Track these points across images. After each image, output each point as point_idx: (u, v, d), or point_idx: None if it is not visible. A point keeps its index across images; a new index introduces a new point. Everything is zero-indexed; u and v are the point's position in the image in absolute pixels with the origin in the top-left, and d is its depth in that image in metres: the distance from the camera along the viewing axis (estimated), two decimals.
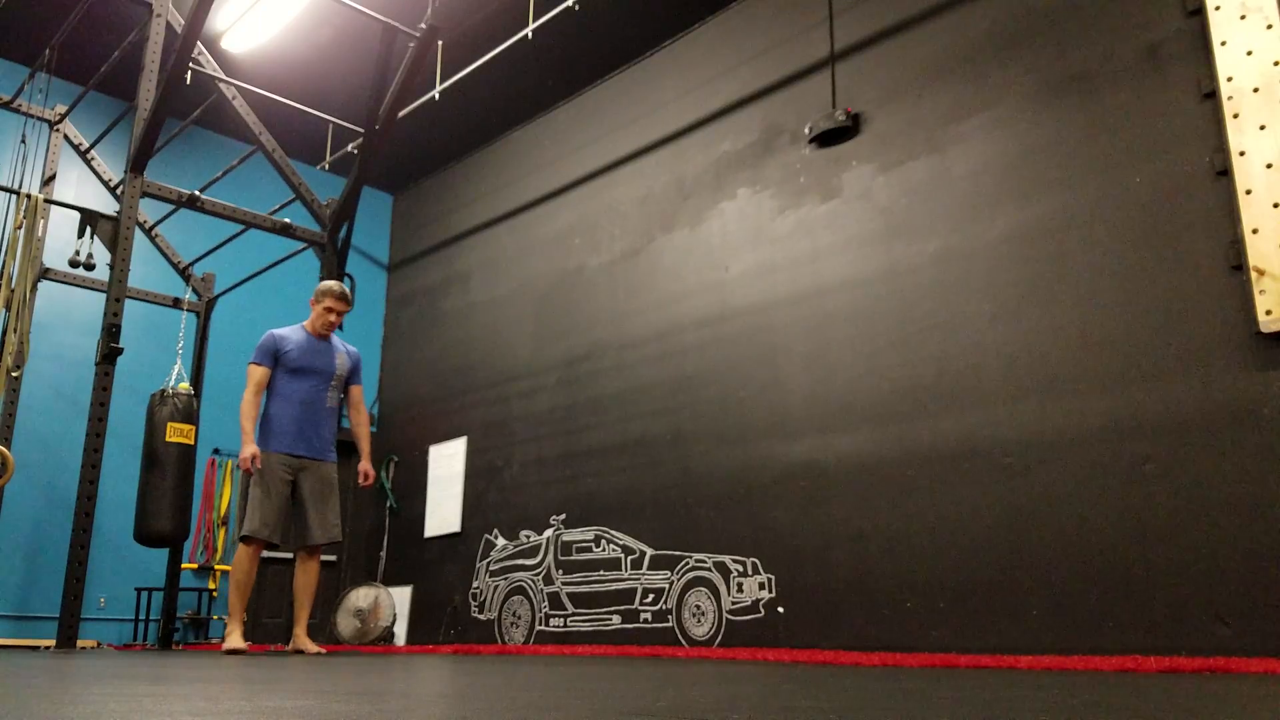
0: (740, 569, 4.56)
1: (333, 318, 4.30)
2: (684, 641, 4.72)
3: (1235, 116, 3.27)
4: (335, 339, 4.40)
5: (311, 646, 4.21)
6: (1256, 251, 3.15)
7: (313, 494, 4.18)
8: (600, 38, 5.81)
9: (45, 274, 5.74)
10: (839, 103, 4.65)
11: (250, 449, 4.02)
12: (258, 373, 4.16)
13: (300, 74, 6.22)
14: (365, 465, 4.31)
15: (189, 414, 5.08)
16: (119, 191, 4.99)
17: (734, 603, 4.54)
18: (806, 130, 4.72)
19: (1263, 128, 3.20)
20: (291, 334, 4.27)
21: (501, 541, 5.98)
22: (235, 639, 4.03)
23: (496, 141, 7.09)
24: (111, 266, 4.60)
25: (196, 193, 5.05)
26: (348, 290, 4.40)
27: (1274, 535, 3.00)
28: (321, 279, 5.34)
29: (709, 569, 4.70)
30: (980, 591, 3.67)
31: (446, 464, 6.62)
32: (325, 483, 4.22)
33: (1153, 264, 3.44)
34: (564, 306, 6.05)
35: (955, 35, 4.27)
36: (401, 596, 6.51)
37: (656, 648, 4.63)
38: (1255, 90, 3.24)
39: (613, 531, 5.28)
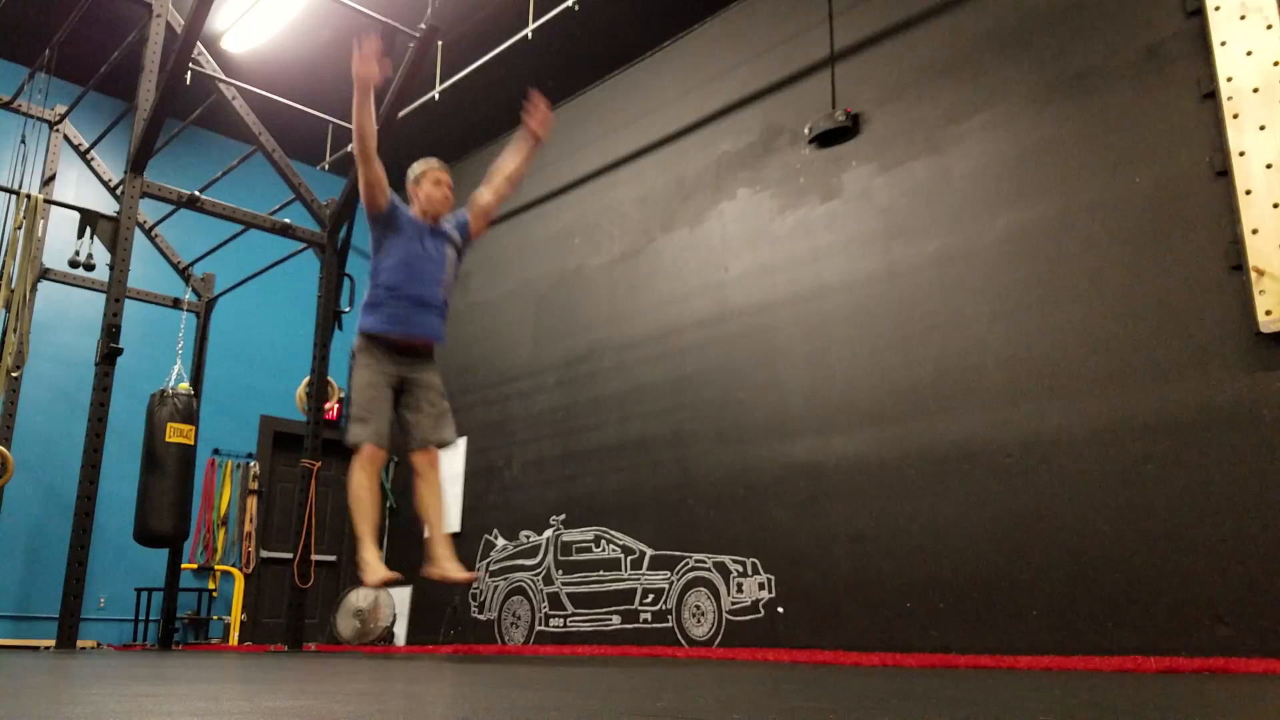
0: (740, 569, 4.56)
1: (445, 191, 3.68)
2: (684, 642, 4.72)
3: (1235, 117, 3.27)
4: (443, 223, 3.73)
5: (459, 571, 3.49)
6: (1256, 251, 3.15)
7: (421, 397, 3.62)
8: (600, 38, 5.81)
9: (45, 274, 5.74)
10: (839, 103, 4.65)
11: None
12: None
13: (300, 74, 6.22)
14: (527, 124, 3.77)
15: (189, 414, 5.08)
16: (119, 192, 4.98)
17: (734, 603, 4.54)
18: (806, 130, 4.72)
19: (1262, 128, 3.20)
20: (407, 210, 3.66)
21: (501, 542, 5.98)
22: (375, 567, 3.39)
23: (496, 142, 7.08)
24: (111, 267, 4.59)
25: (196, 193, 5.05)
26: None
27: (1274, 536, 3.00)
28: (321, 279, 5.34)
29: (709, 569, 4.70)
30: (980, 591, 3.67)
31: (446, 464, 6.61)
32: (433, 387, 3.66)
33: (1152, 264, 3.44)
34: (564, 306, 6.05)
35: (955, 36, 4.27)
36: (401, 596, 6.51)
37: (656, 648, 4.63)
38: (1255, 90, 3.24)
39: (612, 532, 5.28)
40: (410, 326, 3.56)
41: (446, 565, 3.49)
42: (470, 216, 3.80)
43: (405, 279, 3.55)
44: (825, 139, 4.63)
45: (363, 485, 3.47)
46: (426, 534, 3.64)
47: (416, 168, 3.75)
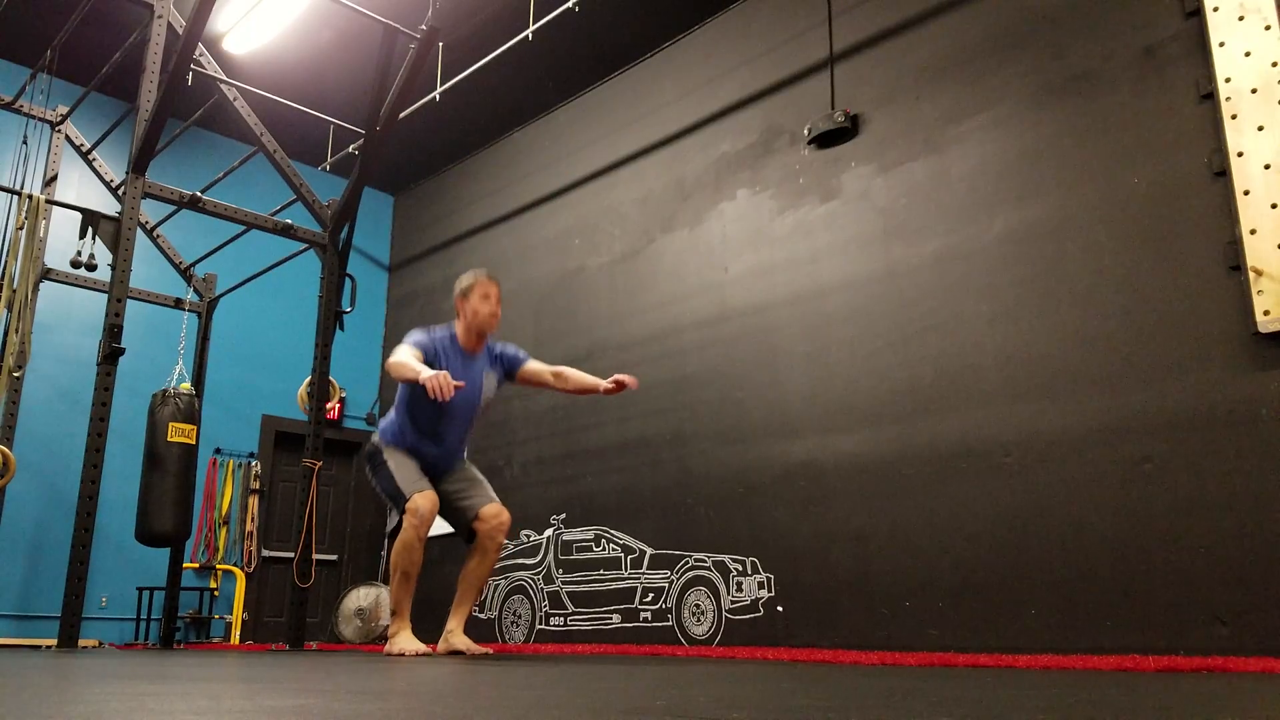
0: (739, 568, 4.57)
1: (492, 307, 3.51)
2: (683, 640, 4.73)
3: (1233, 117, 3.28)
4: (486, 349, 3.62)
5: (473, 646, 3.51)
6: (1254, 252, 3.16)
7: (461, 476, 3.59)
8: (600, 39, 5.82)
9: (47, 274, 5.75)
10: (838, 104, 4.66)
11: (429, 370, 3.11)
12: (415, 351, 3.34)
13: (301, 75, 6.23)
14: (610, 382, 3.51)
15: (190, 414, 5.09)
16: (120, 192, 4.99)
17: (733, 602, 4.55)
18: (805, 131, 4.73)
19: (1261, 128, 3.21)
20: (443, 343, 3.48)
21: None
22: (406, 638, 3.42)
23: (497, 143, 7.10)
24: (113, 267, 4.60)
25: (198, 193, 5.05)
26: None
27: (1272, 535, 3.01)
28: (322, 280, 5.35)
29: (708, 568, 4.71)
30: (978, 591, 3.68)
31: None
32: (468, 465, 3.64)
33: (1151, 264, 3.45)
34: (564, 307, 6.07)
35: (954, 37, 4.28)
36: None
37: (656, 646, 4.64)
38: (1253, 91, 3.25)
39: (613, 531, 5.29)
40: (432, 468, 3.52)
41: (458, 640, 3.49)
42: (520, 369, 3.68)
43: (432, 434, 3.50)
44: (824, 140, 4.65)
45: (414, 557, 3.34)
46: (454, 604, 3.56)
47: (465, 280, 3.57)
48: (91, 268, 5.21)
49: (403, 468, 3.43)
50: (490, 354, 3.63)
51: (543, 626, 5.54)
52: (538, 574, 5.66)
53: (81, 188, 6.21)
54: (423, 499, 3.34)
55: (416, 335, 3.44)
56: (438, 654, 3.50)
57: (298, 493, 5.32)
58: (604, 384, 3.53)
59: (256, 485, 6.72)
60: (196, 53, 4.86)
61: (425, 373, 3.06)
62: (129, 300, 4.81)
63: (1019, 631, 3.53)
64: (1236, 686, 1.85)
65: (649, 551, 5.06)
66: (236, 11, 5.60)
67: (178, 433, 4.99)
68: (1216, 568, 3.10)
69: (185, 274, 6.18)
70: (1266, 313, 3.10)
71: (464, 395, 3.41)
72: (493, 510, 3.51)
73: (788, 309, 4.68)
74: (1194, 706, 1.38)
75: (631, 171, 5.84)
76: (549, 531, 5.68)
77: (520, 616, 5.71)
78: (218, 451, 6.60)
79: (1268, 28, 3.25)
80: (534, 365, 3.69)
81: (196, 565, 6.34)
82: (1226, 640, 3.03)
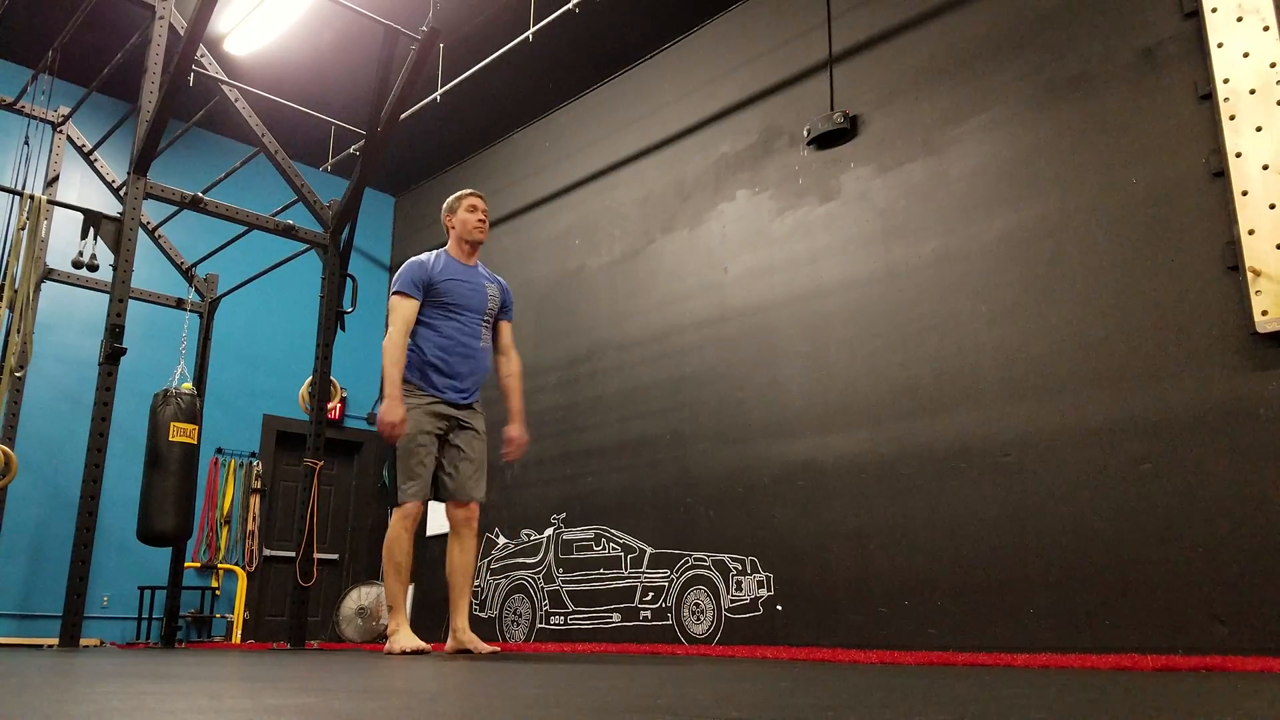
0: (739, 567, 4.58)
1: (480, 216, 3.64)
2: (683, 639, 4.74)
3: (1232, 118, 3.28)
4: (481, 267, 3.72)
5: (481, 645, 3.45)
6: (1253, 252, 3.16)
7: (465, 444, 3.55)
8: (600, 40, 5.83)
9: (49, 275, 5.76)
10: (837, 105, 4.67)
11: (397, 410, 3.28)
12: (407, 306, 3.42)
13: (303, 77, 6.24)
14: (517, 430, 3.62)
15: (192, 414, 5.10)
16: (122, 193, 5.00)
17: (733, 601, 4.56)
18: (805, 132, 4.74)
19: (1259, 129, 3.22)
20: (437, 261, 3.56)
21: (502, 540, 6.00)
22: (405, 635, 3.35)
23: (497, 143, 7.11)
24: (115, 267, 4.61)
25: (199, 194, 5.06)
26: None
27: (1270, 534, 3.02)
28: (323, 280, 5.37)
29: (708, 567, 4.72)
30: (977, 590, 3.69)
31: None
32: (478, 434, 3.62)
33: (1149, 265, 3.46)
34: (564, 307, 6.07)
35: (953, 38, 4.28)
36: None
37: (656, 645, 4.65)
38: (1252, 92, 3.25)
39: (613, 530, 5.30)
40: (453, 395, 3.54)
41: (466, 639, 3.45)
42: (500, 319, 3.74)
43: (447, 356, 3.52)
44: (824, 141, 4.65)
45: (404, 547, 3.41)
46: (451, 603, 3.50)
47: (451, 198, 3.73)
48: (93, 268, 5.22)
49: (420, 434, 3.42)
50: (491, 276, 3.74)
51: (543, 625, 5.55)
52: (538, 573, 5.67)
53: (83, 188, 6.23)
54: (414, 508, 3.43)
55: (405, 283, 3.51)
56: (445, 653, 3.50)
57: (299, 492, 5.33)
58: (511, 428, 3.66)
59: (258, 485, 6.73)
60: (198, 54, 4.87)
61: (384, 411, 3.30)
62: (130, 300, 4.82)
63: (1018, 630, 3.53)
64: (1235, 686, 1.86)
65: (649, 551, 5.07)
66: (238, 13, 5.61)
67: (179, 432, 5.00)
68: (1215, 567, 3.11)
69: (187, 274, 6.19)
70: (1265, 313, 3.11)
71: (473, 293, 3.58)
72: (462, 509, 3.58)
73: (787, 309, 4.69)
74: (1192, 706, 1.39)
75: (631, 172, 5.85)
76: (549, 531, 5.69)
77: (521, 615, 5.72)
78: (219, 451, 6.62)
79: (1266, 29, 3.26)
80: (508, 331, 3.77)
81: (198, 564, 6.35)
82: (1225, 639, 3.04)
